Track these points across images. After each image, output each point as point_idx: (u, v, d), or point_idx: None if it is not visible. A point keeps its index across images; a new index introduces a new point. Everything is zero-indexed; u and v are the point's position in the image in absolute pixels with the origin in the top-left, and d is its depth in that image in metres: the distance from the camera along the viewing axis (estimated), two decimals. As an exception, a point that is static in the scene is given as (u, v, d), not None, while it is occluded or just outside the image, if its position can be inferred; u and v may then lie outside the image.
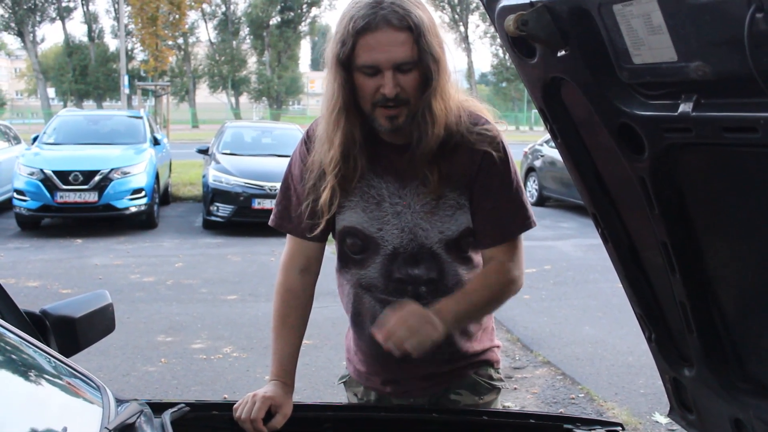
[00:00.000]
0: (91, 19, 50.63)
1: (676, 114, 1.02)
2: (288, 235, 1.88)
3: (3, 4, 47.18)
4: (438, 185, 1.70)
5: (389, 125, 1.65)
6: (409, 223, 1.74)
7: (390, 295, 1.77)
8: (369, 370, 1.91)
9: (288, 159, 1.90)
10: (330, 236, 1.86)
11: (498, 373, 1.93)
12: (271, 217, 1.90)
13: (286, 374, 1.82)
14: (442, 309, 1.65)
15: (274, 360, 1.84)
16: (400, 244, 1.75)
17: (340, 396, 2.13)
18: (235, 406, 1.72)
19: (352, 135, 1.67)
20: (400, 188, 1.74)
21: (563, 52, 1.13)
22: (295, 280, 1.86)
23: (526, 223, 1.76)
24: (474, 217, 1.75)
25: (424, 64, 1.59)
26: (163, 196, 12.14)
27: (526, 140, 19.01)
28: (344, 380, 2.03)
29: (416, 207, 1.73)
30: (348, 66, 1.60)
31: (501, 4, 1.19)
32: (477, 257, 1.81)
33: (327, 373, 4.75)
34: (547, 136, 14.57)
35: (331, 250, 1.83)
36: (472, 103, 1.76)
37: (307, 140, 1.83)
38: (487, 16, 1.29)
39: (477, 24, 53.83)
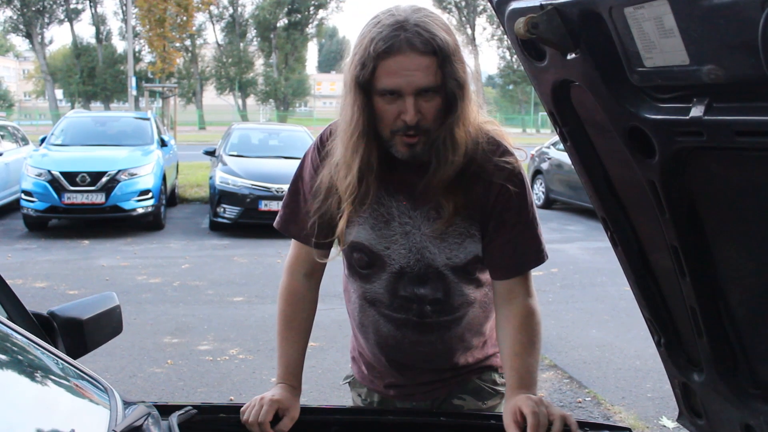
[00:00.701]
0: (99, 21, 50.89)
1: (687, 118, 1.01)
2: (293, 239, 1.86)
3: (12, 6, 47.44)
4: (452, 216, 1.66)
5: (407, 153, 1.59)
6: (417, 244, 1.71)
7: (394, 312, 1.77)
8: (372, 374, 1.92)
9: (295, 161, 1.89)
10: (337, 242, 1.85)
11: (502, 378, 1.90)
12: (277, 219, 1.87)
13: (292, 377, 1.81)
14: (524, 380, 1.64)
15: (280, 363, 1.83)
16: (407, 264, 1.72)
17: (346, 398, 2.12)
18: (242, 409, 1.71)
19: (369, 161, 1.61)
20: (410, 209, 1.70)
21: (573, 55, 1.12)
22: (300, 283, 1.86)
23: (540, 257, 1.73)
24: (487, 249, 1.71)
25: (447, 90, 1.52)
26: (170, 198, 12.19)
27: (533, 143, 18.99)
28: (349, 380, 2.04)
29: (425, 230, 1.69)
30: (367, 89, 1.53)
31: (511, 7, 1.18)
32: (484, 276, 1.78)
33: (333, 375, 4.74)
34: (554, 138, 14.52)
35: (337, 252, 1.82)
36: (492, 126, 1.70)
37: (320, 147, 1.76)
38: (495, 19, 1.29)
39: (484, 27, 53.92)
